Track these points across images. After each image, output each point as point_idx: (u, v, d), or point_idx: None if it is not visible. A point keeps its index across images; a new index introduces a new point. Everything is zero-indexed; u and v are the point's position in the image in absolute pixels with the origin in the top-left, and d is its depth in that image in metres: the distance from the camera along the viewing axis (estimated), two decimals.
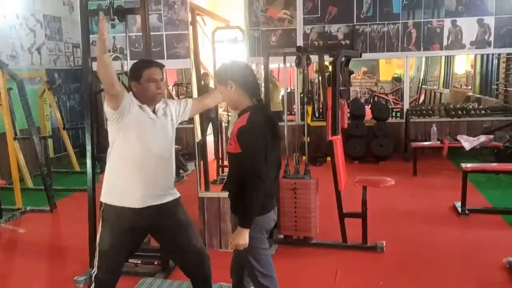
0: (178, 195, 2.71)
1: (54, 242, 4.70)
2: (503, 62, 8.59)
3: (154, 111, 2.57)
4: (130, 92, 2.56)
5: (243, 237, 2.26)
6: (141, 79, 2.51)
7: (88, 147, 3.60)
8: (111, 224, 2.53)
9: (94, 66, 3.71)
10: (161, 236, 2.69)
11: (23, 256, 4.26)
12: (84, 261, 3.68)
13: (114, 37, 8.11)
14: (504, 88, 8.54)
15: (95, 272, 2.59)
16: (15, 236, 4.75)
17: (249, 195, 2.23)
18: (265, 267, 2.41)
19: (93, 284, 2.59)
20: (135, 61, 2.67)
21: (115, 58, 3.93)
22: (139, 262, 3.63)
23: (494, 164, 5.93)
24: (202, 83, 5.07)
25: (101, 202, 2.60)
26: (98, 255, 2.57)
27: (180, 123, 2.83)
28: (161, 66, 2.59)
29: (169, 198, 2.62)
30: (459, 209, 4.85)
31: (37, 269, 3.92)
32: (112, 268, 2.60)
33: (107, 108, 2.47)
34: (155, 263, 3.61)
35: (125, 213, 2.51)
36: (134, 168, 2.50)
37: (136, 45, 7.56)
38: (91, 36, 3.68)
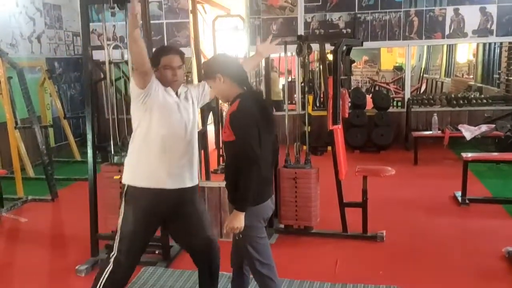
0: (198, 182, 2.73)
1: (55, 232, 4.72)
2: (505, 51, 8.53)
3: (177, 95, 2.61)
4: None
5: (239, 221, 2.28)
6: (159, 65, 2.53)
7: (89, 136, 3.60)
8: (135, 206, 2.54)
9: (94, 54, 3.73)
10: (177, 220, 2.67)
11: (25, 245, 4.28)
12: (85, 250, 3.70)
13: (114, 25, 8.06)
14: (506, 78, 8.49)
15: (115, 254, 2.57)
16: (16, 225, 4.76)
17: (245, 180, 2.25)
18: (263, 256, 2.42)
19: (111, 266, 2.55)
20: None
21: (115, 47, 3.92)
22: None
23: (495, 154, 5.93)
24: (203, 71, 5.04)
25: (123, 185, 2.60)
26: (119, 237, 2.56)
27: None
28: (181, 53, 2.61)
29: (191, 183, 2.64)
30: (460, 199, 4.86)
31: (38, 258, 3.93)
32: (133, 252, 2.59)
33: (134, 88, 2.48)
34: (157, 252, 3.63)
35: (150, 195, 2.52)
36: (159, 149, 2.52)
37: None
38: (90, 24, 3.65)
